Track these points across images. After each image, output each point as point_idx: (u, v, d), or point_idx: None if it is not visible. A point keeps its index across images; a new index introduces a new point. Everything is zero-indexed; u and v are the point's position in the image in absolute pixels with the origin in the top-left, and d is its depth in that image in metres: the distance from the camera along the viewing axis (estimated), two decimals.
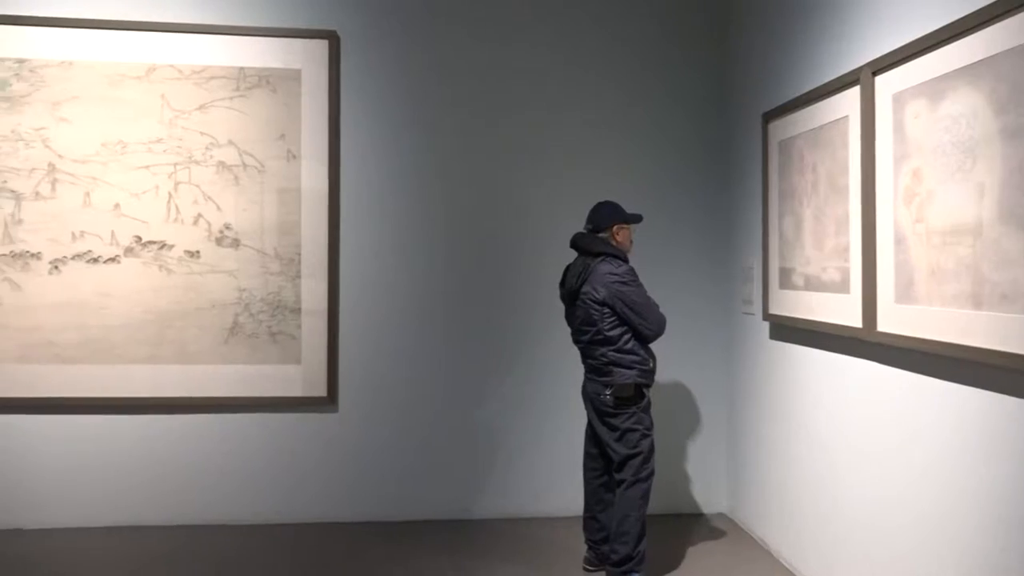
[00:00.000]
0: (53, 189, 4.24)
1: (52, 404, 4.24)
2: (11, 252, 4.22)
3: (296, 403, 4.40)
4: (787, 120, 3.82)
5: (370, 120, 4.46)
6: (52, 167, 4.24)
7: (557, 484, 4.54)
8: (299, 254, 4.38)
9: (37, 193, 4.23)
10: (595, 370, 3.64)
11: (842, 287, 3.29)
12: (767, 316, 4.05)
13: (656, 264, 4.49)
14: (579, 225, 3.76)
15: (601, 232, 3.68)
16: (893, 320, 2.90)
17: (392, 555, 4.03)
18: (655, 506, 3.82)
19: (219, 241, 4.35)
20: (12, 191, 4.21)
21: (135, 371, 4.28)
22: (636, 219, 3.76)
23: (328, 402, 4.42)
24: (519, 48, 4.55)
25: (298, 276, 4.38)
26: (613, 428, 3.60)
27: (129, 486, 4.34)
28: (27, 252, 4.23)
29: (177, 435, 4.36)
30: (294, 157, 4.37)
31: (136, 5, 4.29)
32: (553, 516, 4.54)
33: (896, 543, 2.94)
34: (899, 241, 2.86)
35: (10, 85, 4.19)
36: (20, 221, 4.22)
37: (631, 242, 3.76)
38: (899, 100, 2.86)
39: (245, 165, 4.35)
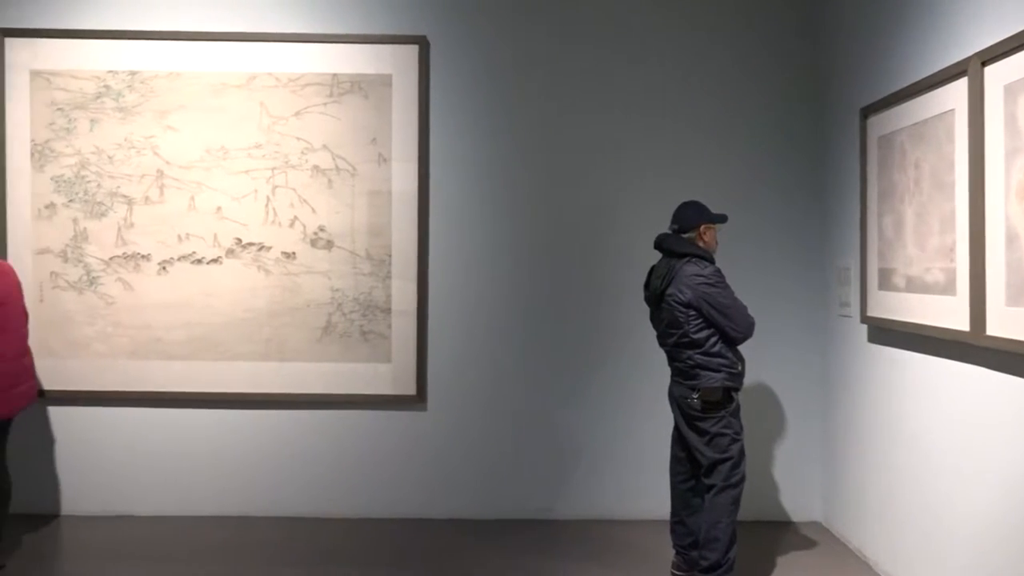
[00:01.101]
0: (161, 194, 4.48)
1: (160, 398, 4.48)
2: (123, 254, 4.48)
3: (386, 401, 4.51)
4: (887, 115, 3.67)
5: (459, 123, 4.52)
6: (160, 173, 4.47)
7: (643, 486, 4.50)
8: (389, 255, 4.48)
9: (147, 198, 4.47)
10: (681, 373, 3.59)
11: (947, 289, 3.14)
12: (865, 319, 3.90)
13: (746, 265, 4.40)
14: (666, 225, 3.71)
15: (687, 232, 3.62)
16: (1004, 323, 2.75)
17: (476, 553, 4.08)
18: (745, 513, 3.73)
19: (313, 243, 4.49)
20: (125, 196, 4.47)
21: (236, 367, 4.47)
22: (722, 219, 3.68)
23: (417, 400, 4.50)
24: (608, 50, 4.52)
25: (388, 277, 4.48)
26: (701, 432, 3.54)
27: (230, 478, 4.53)
28: (138, 254, 4.48)
29: (275, 430, 4.53)
30: (385, 160, 4.48)
31: (238, 17, 4.48)
32: (639, 519, 4.49)
33: (1008, 557, 2.79)
34: (1011, 240, 2.71)
35: (123, 96, 4.45)
36: (132, 225, 4.47)
37: (717, 242, 3.69)
38: (1011, 91, 2.71)
39: (338, 169, 4.48)
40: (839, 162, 4.30)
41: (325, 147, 4.48)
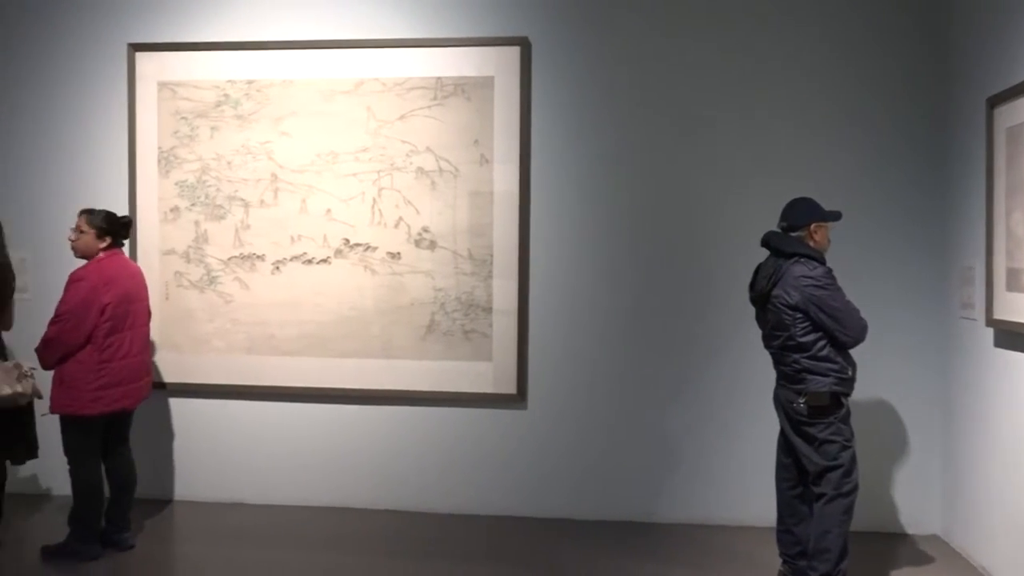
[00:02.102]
0: (275, 197, 4.67)
1: (274, 392, 4.68)
2: (240, 254, 4.70)
3: (487, 399, 4.56)
4: (1017, 104, 3.45)
5: (560, 123, 4.53)
6: (274, 177, 4.67)
7: (748, 491, 4.39)
8: (491, 255, 4.53)
9: (262, 201, 4.68)
10: (787, 377, 3.47)
11: None
12: (991, 322, 3.68)
13: (859, 266, 4.23)
14: (772, 223, 3.61)
15: (796, 231, 3.48)
16: None
17: (574, 554, 4.07)
18: (859, 523, 3.58)
19: (417, 243, 4.59)
20: (242, 199, 4.69)
21: (344, 364, 4.62)
22: (835, 217, 3.51)
23: (518, 399, 4.53)
24: (713, 47, 4.43)
25: (490, 276, 4.53)
26: (809, 438, 3.41)
27: (336, 470, 4.69)
28: (254, 254, 4.69)
29: (380, 425, 4.65)
30: (487, 161, 4.53)
31: (346, 25, 4.63)
32: (743, 525, 4.39)
33: None
34: None
35: (241, 104, 4.67)
36: (248, 227, 4.69)
37: (829, 241, 3.54)
38: None
39: (441, 170, 4.56)
40: (963, 156, 4.07)
41: (429, 149, 4.57)
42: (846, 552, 3.34)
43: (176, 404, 4.78)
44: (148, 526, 4.37)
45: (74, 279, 3.79)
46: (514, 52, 4.49)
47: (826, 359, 3.35)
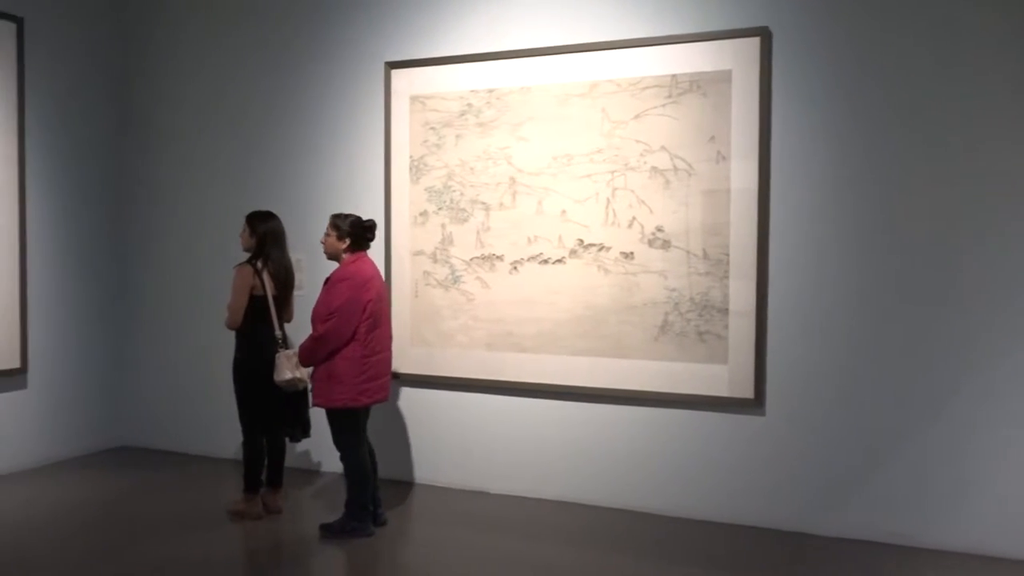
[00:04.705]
0: (513, 200, 4.88)
1: (512, 387, 4.89)
2: (481, 255, 4.96)
3: (722, 403, 4.44)
4: None
5: (802, 118, 4.28)
6: (513, 180, 4.87)
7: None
8: (727, 255, 4.40)
9: (501, 204, 4.91)
10: None
11: None
12: None
13: None
14: None
15: None
16: None
17: (806, 570, 3.86)
18: None
19: (651, 243, 4.57)
20: (483, 203, 4.95)
21: (577, 362, 4.72)
22: None
23: (754, 404, 4.37)
24: (964, 46, 3.96)
25: (726, 277, 4.41)
26: None
27: (569, 466, 4.81)
28: (493, 255, 4.94)
29: (612, 424, 4.70)
30: (723, 158, 4.40)
31: (580, 29, 4.71)
32: (1015, 558, 3.90)
33: None
34: None
35: (483, 112, 4.92)
36: (488, 228, 4.94)
37: None
38: None
39: (676, 169, 4.51)
40: None
41: (663, 148, 4.53)
42: None
43: (426, 395, 5.16)
44: (398, 507, 4.75)
45: (337, 279, 4.19)
46: (753, 44, 4.32)
47: None
